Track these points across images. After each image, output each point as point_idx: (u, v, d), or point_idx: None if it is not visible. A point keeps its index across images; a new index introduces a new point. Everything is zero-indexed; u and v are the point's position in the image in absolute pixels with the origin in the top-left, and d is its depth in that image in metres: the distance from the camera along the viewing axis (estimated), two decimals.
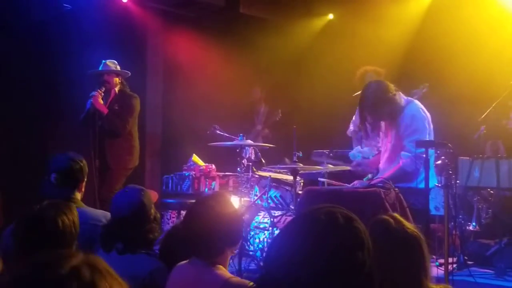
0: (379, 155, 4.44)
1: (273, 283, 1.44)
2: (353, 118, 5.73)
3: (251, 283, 2.05)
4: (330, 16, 8.10)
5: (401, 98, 4.15)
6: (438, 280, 3.79)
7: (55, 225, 2.38)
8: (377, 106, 4.09)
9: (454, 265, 4.57)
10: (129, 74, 5.67)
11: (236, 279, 2.20)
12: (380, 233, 1.94)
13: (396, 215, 2.09)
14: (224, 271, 2.24)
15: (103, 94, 5.43)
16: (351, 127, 5.70)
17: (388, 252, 1.86)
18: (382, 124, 4.36)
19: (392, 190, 3.71)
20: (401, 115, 4.10)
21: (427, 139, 3.98)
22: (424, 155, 3.72)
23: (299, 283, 1.40)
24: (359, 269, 1.43)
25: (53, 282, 0.99)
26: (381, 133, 4.45)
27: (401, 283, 1.91)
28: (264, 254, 4.82)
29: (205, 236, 2.25)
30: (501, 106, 5.09)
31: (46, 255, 1.04)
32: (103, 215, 3.09)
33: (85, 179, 3.32)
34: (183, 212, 5.42)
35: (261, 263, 4.72)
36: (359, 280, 1.42)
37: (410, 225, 2.04)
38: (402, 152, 4.06)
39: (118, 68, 5.59)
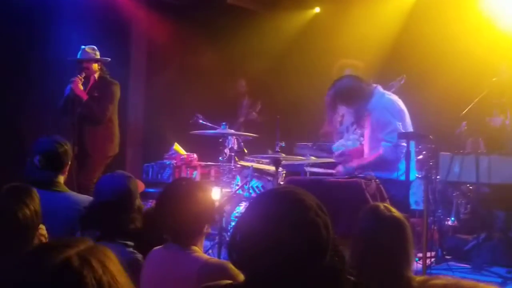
0: (362, 147, 4.46)
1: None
2: None
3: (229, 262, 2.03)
4: (317, 9, 8.10)
5: (377, 91, 4.23)
6: (416, 273, 3.80)
7: (15, 218, 2.09)
8: (347, 97, 4.22)
9: (432, 259, 4.60)
10: (109, 60, 5.58)
11: (214, 260, 2.19)
12: (368, 215, 1.97)
13: (386, 204, 2.14)
14: (200, 253, 2.21)
15: (83, 80, 5.35)
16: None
17: (375, 234, 1.88)
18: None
19: (373, 181, 3.73)
20: (375, 108, 4.18)
21: (401, 131, 4.03)
22: (405, 147, 3.74)
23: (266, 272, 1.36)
24: (320, 250, 1.37)
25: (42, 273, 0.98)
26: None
27: (382, 267, 1.91)
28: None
29: (181, 221, 2.21)
30: (484, 103, 5.11)
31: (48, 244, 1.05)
32: (87, 200, 3.01)
33: (69, 163, 3.24)
34: None
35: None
36: (323, 262, 1.37)
37: (398, 212, 2.07)
38: (383, 142, 4.12)
39: (98, 53, 5.48)
